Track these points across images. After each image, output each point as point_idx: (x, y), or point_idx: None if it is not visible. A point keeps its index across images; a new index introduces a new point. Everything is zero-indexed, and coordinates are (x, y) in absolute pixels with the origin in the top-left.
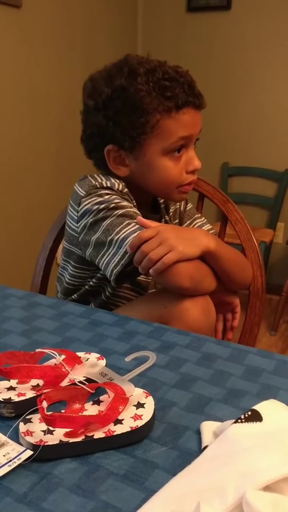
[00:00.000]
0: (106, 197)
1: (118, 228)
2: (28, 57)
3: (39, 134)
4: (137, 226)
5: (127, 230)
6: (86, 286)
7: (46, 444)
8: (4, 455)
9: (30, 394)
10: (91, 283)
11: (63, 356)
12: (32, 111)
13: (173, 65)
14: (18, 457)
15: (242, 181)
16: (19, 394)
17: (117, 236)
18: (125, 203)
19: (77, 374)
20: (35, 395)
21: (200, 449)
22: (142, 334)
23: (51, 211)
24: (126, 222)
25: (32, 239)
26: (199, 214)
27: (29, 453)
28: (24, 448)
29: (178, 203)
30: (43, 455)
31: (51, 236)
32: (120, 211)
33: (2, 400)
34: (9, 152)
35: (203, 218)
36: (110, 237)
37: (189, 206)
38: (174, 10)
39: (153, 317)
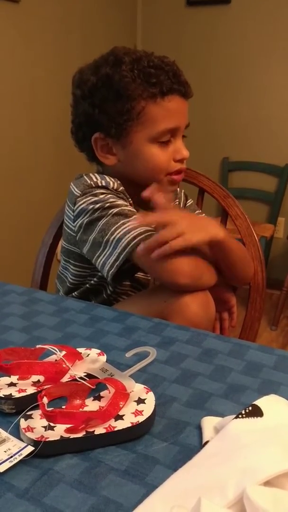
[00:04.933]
0: (101, 196)
1: (113, 228)
2: (27, 52)
3: (38, 130)
4: (132, 225)
5: (121, 230)
6: (87, 285)
7: (47, 440)
8: (5, 451)
9: (30, 390)
10: (92, 282)
11: (63, 352)
12: (31, 107)
13: (160, 55)
14: (19, 453)
15: (242, 176)
16: (20, 390)
17: (113, 237)
18: (120, 201)
19: (78, 370)
20: (35, 391)
21: (201, 445)
22: (142, 330)
23: (50, 208)
24: (121, 222)
25: (32, 235)
26: (200, 210)
27: (30, 449)
28: (25, 444)
29: (178, 199)
30: (44, 451)
31: (50, 232)
32: (114, 210)
33: (3, 396)
34: (8, 148)
35: (203, 214)
36: (106, 238)
37: (190, 201)
38: (173, 4)
39: (152, 312)
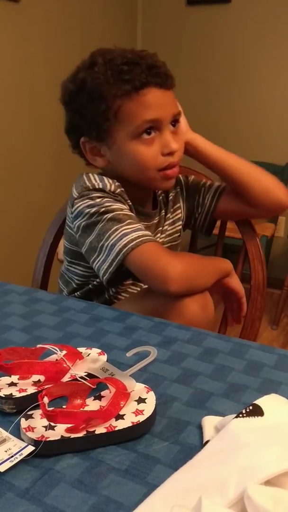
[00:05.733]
0: (97, 200)
1: (107, 234)
2: (27, 51)
3: (39, 130)
4: (124, 231)
5: (115, 236)
6: (90, 286)
7: (47, 439)
8: (5, 451)
9: (31, 390)
10: (94, 282)
11: (64, 352)
12: (32, 106)
13: (140, 50)
14: (19, 453)
15: None
16: (20, 390)
17: (107, 243)
18: (116, 205)
19: (78, 370)
20: (36, 390)
21: (202, 444)
22: (143, 329)
23: (51, 207)
24: (115, 227)
25: (32, 235)
26: (204, 180)
27: (30, 448)
28: (26, 444)
29: (178, 186)
30: (44, 450)
31: (51, 231)
32: (109, 215)
33: (4, 396)
34: (9, 147)
35: (209, 182)
36: (101, 243)
37: (191, 178)
38: (174, 3)
39: (151, 312)
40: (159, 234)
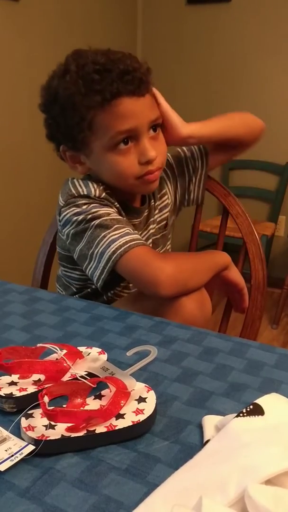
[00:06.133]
0: (84, 207)
1: (96, 241)
2: (27, 51)
3: (38, 129)
4: (112, 237)
5: (103, 243)
6: (89, 290)
7: (47, 439)
8: (6, 450)
9: (31, 389)
10: (93, 286)
11: (64, 351)
12: (31, 106)
13: (114, 52)
14: (20, 452)
15: (243, 175)
16: (21, 389)
17: (96, 250)
18: (102, 210)
19: (79, 369)
20: (36, 390)
21: (202, 443)
22: (143, 329)
23: (51, 207)
24: (102, 234)
25: (32, 234)
26: (180, 150)
27: (31, 448)
28: (26, 443)
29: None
30: (45, 449)
31: (51, 231)
32: (96, 221)
33: (4, 395)
34: (8, 146)
35: (185, 150)
36: (91, 251)
37: (169, 156)
38: (174, 2)
39: (148, 311)
40: (152, 225)
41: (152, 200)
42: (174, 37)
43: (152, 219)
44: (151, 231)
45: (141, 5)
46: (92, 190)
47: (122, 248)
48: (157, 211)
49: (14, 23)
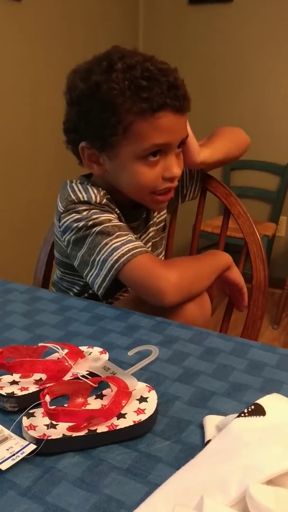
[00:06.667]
0: (84, 213)
1: (98, 249)
2: (29, 50)
3: (40, 128)
4: (114, 244)
5: (105, 251)
6: (86, 295)
7: (49, 438)
8: (7, 449)
9: (33, 388)
10: (90, 291)
11: (65, 350)
12: (33, 105)
13: (160, 61)
14: (21, 451)
15: (244, 175)
16: (22, 388)
17: (98, 257)
18: (103, 216)
19: (80, 368)
20: (38, 389)
21: (203, 443)
22: (144, 328)
23: (52, 206)
24: (104, 242)
25: (34, 233)
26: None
27: (32, 447)
28: (27, 442)
29: None
30: (46, 449)
31: (52, 230)
32: (98, 228)
33: (5, 394)
34: (10, 145)
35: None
36: (92, 258)
37: None
38: (175, 1)
39: (148, 311)
40: (151, 228)
41: (151, 210)
42: (176, 37)
43: (151, 221)
44: (151, 234)
45: (143, 4)
46: (93, 196)
47: (125, 257)
48: (155, 213)
49: (16, 22)
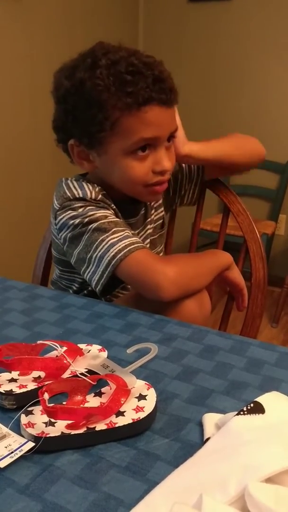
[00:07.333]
0: (80, 210)
1: (94, 246)
2: (29, 49)
3: (39, 126)
4: (111, 241)
5: (102, 247)
6: (85, 291)
7: (47, 436)
8: (5, 447)
9: (31, 386)
10: (89, 288)
11: (64, 348)
12: (33, 103)
13: (145, 55)
14: (19, 449)
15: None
16: (21, 386)
17: (95, 254)
18: (99, 213)
19: (79, 366)
20: (36, 387)
21: (202, 441)
22: (143, 326)
23: (51, 203)
24: (101, 238)
25: (33, 231)
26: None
27: (30, 444)
28: (26, 440)
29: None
30: (44, 446)
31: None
32: (94, 225)
33: (4, 392)
34: (9, 144)
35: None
36: (89, 254)
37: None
38: (175, 0)
39: (147, 309)
40: (149, 225)
41: (149, 203)
42: (176, 35)
43: (149, 219)
44: (149, 231)
45: (143, 2)
46: (88, 192)
47: (122, 253)
48: (153, 211)
49: (16, 21)
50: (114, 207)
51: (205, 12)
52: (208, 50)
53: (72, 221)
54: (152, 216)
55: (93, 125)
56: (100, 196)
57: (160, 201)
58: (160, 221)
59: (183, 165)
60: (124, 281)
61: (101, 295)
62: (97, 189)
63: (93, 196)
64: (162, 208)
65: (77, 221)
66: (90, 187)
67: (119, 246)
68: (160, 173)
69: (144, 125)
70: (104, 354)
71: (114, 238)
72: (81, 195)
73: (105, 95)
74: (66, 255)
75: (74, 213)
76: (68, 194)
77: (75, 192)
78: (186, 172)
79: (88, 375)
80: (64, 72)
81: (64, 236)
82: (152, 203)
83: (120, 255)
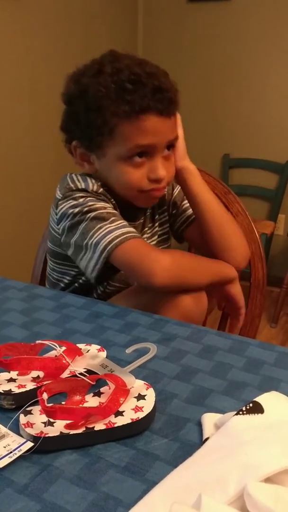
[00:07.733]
0: (81, 200)
1: (91, 232)
2: (28, 49)
3: (39, 126)
4: (108, 228)
5: (99, 234)
6: (76, 284)
7: (46, 435)
8: (4, 447)
9: (30, 385)
10: (80, 281)
11: (63, 348)
12: (32, 103)
13: (151, 65)
14: (18, 449)
15: (243, 173)
16: (20, 386)
17: (91, 241)
18: (99, 204)
19: (78, 366)
20: (35, 386)
21: (201, 441)
22: (142, 326)
23: (50, 203)
24: (98, 226)
25: (32, 231)
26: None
27: (29, 444)
28: (25, 440)
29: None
30: (43, 446)
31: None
32: (92, 214)
33: (3, 391)
34: (9, 144)
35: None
36: (85, 241)
37: (177, 189)
38: (175, 0)
39: (145, 306)
40: (145, 235)
41: (149, 210)
42: (175, 35)
43: (147, 229)
44: (152, 243)
45: (142, 2)
46: (90, 184)
47: (118, 239)
48: (157, 224)
49: (15, 21)
50: (114, 202)
51: (204, 12)
52: (208, 50)
53: (72, 210)
54: (156, 228)
55: (93, 129)
56: (101, 190)
57: (167, 218)
58: (165, 236)
59: (179, 203)
60: (119, 268)
61: (95, 283)
62: (99, 183)
63: (95, 189)
64: (168, 225)
65: (76, 210)
66: (93, 181)
67: (116, 233)
68: (155, 181)
69: (141, 133)
70: (103, 354)
71: (111, 226)
72: (83, 187)
73: (105, 101)
74: (62, 246)
75: (75, 202)
76: (71, 185)
77: (78, 184)
78: (178, 212)
79: (87, 375)
80: (73, 76)
81: (63, 226)
82: (157, 217)
83: (116, 241)
